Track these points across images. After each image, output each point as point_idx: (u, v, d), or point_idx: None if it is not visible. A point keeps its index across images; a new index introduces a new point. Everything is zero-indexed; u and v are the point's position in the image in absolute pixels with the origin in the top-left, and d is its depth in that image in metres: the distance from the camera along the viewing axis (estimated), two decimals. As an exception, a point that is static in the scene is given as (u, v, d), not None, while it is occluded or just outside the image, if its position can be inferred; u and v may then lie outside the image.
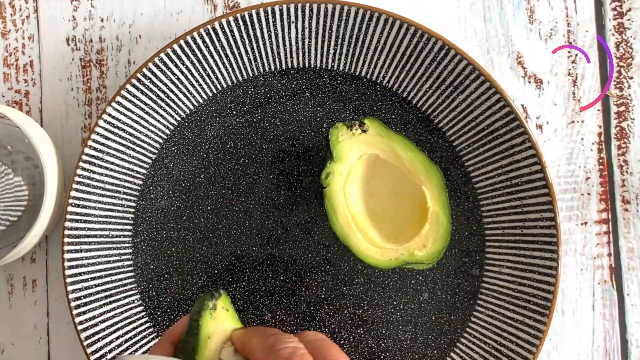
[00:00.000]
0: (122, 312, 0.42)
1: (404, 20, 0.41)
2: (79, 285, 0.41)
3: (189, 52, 0.42)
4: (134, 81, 0.42)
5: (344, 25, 0.42)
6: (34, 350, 0.44)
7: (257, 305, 0.43)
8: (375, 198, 0.42)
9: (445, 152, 0.43)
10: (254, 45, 0.43)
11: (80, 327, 0.41)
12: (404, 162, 0.42)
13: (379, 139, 0.42)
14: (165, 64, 0.42)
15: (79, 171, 0.41)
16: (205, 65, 0.43)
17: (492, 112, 0.42)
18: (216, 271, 0.43)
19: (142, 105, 0.42)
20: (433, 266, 0.43)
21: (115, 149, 0.42)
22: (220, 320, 0.33)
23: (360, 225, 0.41)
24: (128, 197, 0.43)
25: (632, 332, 0.44)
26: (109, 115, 0.42)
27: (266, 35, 0.43)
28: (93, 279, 0.42)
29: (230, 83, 0.44)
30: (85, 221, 0.42)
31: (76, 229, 0.41)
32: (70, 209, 0.41)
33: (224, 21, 0.42)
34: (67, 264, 0.41)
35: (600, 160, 0.45)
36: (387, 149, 0.42)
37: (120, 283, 0.42)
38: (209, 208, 0.44)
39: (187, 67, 0.43)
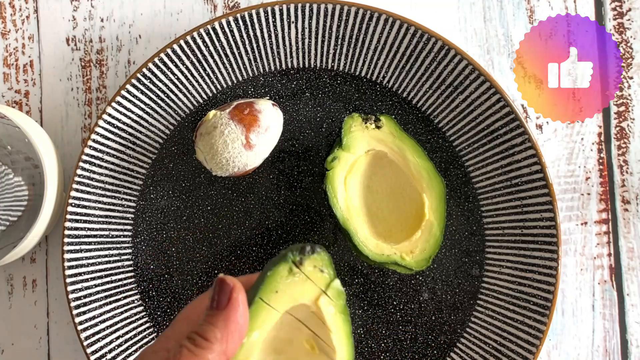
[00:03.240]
0: (122, 312, 0.42)
1: (404, 20, 0.41)
2: (79, 285, 0.41)
3: (189, 52, 0.42)
4: (134, 81, 0.42)
5: (344, 25, 0.42)
6: (34, 350, 0.44)
7: (257, 305, 0.43)
8: (373, 195, 0.42)
9: (445, 152, 0.43)
10: (254, 45, 0.43)
11: (80, 327, 0.41)
12: (410, 166, 0.41)
13: (391, 138, 0.42)
14: (165, 64, 0.42)
15: (79, 171, 0.41)
16: (205, 65, 0.43)
17: (492, 112, 0.42)
18: (216, 271, 0.43)
19: (142, 105, 0.42)
20: (433, 266, 0.43)
21: (115, 149, 0.42)
22: (303, 283, 0.27)
23: (354, 217, 0.41)
24: (128, 197, 0.43)
25: (632, 332, 0.44)
26: (109, 115, 0.42)
27: (266, 35, 0.43)
28: (93, 279, 0.42)
29: (230, 83, 0.44)
30: (85, 221, 0.42)
31: (76, 229, 0.41)
32: (70, 209, 0.41)
33: (224, 21, 0.42)
34: (67, 264, 0.41)
35: (600, 160, 0.45)
36: (396, 150, 0.42)
37: (120, 283, 0.42)
38: (209, 208, 0.44)
39: (187, 67, 0.43)
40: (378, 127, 0.42)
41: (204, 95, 0.44)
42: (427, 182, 0.41)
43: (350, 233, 0.40)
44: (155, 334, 0.43)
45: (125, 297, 0.42)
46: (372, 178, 0.42)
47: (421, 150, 0.42)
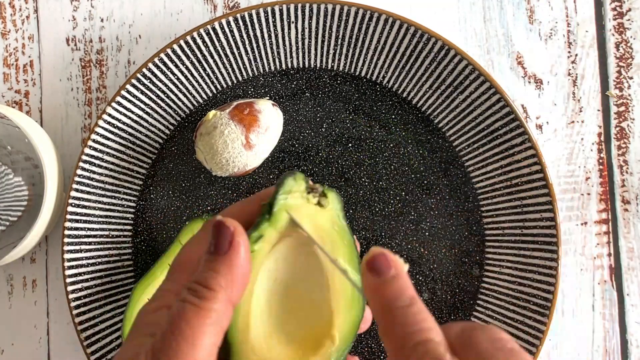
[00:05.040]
0: (122, 312, 0.42)
1: (404, 20, 0.41)
2: (79, 285, 0.41)
3: (189, 52, 0.42)
4: (134, 81, 0.42)
5: (344, 25, 0.42)
6: (34, 350, 0.44)
7: (257, 305, 0.43)
8: (274, 285, 0.29)
9: (445, 152, 0.43)
10: (254, 45, 0.43)
11: (80, 327, 0.41)
12: (335, 274, 0.29)
13: (329, 226, 0.29)
14: (165, 64, 0.42)
15: (79, 171, 0.41)
16: (205, 65, 0.43)
17: (492, 112, 0.42)
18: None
19: (142, 105, 0.42)
20: (433, 266, 0.43)
21: (115, 149, 0.42)
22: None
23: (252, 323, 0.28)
24: (128, 197, 0.43)
25: (632, 332, 0.44)
26: (109, 115, 0.42)
27: (266, 35, 0.43)
28: (93, 279, 0.42)
29: (230, 83, 0.44)
30: (85, 221, 0.42)
31: (76, 229, 0.41)
32: (70, 209, 0.41)
33: (224, 21, 0.42)
34: (67, 264, 0.41)
35: (600, 160, 0.45)
36: (328, 246, 0.29)
37: (120, 283, 0.42)
38: (209, 208, 0.44)
39: (187, 67, 0.43)
40: (320, 205, 0.29)
41: (204, 95, 0.44)
42: (346, 301, 0.29)
43: (234, 348, 0.26)
44: (155, 334, 0.43)
45: (125, 297, 0.42)
46: (283, 268, 0.30)
47: (356, 256, 0.29)
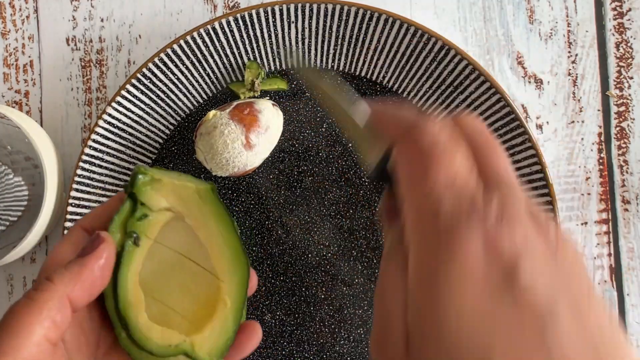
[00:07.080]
0: (122, 312, 0.42)
1: (404, 20, 0.41)
2: (79, 285, 0.41)
3: (189, 52, 0.42)
4: (134, 81, 0.42)
5: (344, 25, 0.42)
6: (34, 350, 0.44)
7: (257, 305, 0.43)
8: (156, 265, 0.30)
9: (445, 152, 0.43)
10: (254, 45, 0.43)
11: (80, 327, 0.41)
12: (213, 240, 0.31)
13: (196, 198, 0.31)
14: (165, 64, 0.42)
15: (79, 171, 0.41)
16: (205, 65, 0.43)
17: (492, 112, 0.42)
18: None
19: (142, 105, 0.42)
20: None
21: (115, 149, 0.42)
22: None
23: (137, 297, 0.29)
24: (128, 197, 0.43)
25: (632, 332, 0.44)
26: (109, 115, 0.42)
27: (266, 35, 0.43)
28: (93, 279, 0.42)
29: (230, 83, 0.44)
30: (85, 221, 0.42)
31: (76, 229, 0.41)
32: (70, 209, 0.41)
33: (224, 21, 0.42)
34: (67, 264, 0.41)
35: (600, 160, 0.45)
36: (198, 215, 0.31)
37: (120, 283, 0.42)
38: (209, 208, 0.43)
39: (187, 67, 0.43)
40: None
41: (204, 95, 0.44)
42: (229, 265, 0.31)
43: (130, 322, 0.27)
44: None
45: (125, 297, 0.42)
46: (158, 244, 0.31)
47: (229, 220, 0.31)
